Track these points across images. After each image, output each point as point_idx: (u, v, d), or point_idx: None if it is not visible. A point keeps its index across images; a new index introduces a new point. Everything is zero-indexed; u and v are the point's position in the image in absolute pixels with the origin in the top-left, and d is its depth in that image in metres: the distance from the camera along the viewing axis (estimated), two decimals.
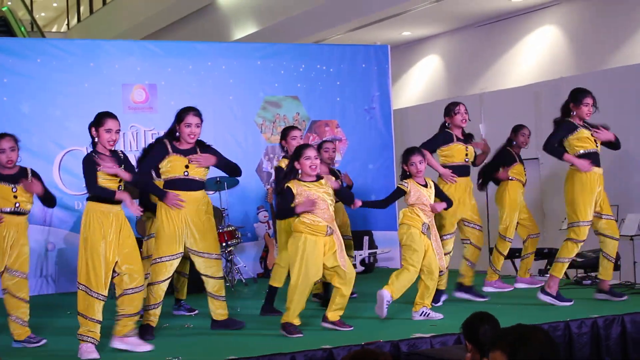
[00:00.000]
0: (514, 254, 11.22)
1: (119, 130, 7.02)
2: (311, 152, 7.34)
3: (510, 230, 9.70)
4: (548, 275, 8.72)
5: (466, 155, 8.99)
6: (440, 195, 8.13)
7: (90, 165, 6.78)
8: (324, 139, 11.96)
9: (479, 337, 4.61)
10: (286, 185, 7.34)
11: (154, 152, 7.69)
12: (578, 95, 8.50)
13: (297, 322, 7.33)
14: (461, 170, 8.95)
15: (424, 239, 7.87)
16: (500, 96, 14.31)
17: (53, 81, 11.61)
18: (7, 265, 7.30)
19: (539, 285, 9.52)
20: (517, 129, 9.93)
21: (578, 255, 10.07)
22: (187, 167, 7.52)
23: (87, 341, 6.67)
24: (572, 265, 10.58)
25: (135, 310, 6.93)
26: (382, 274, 10.84)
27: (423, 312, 7.91)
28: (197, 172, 7.58)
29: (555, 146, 8.50)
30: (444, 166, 8.89)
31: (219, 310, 7.80)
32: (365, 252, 12.21)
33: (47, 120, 11.52)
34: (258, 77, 12.80)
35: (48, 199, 7.62)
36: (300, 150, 7.42)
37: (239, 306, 9.14)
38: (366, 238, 12.23)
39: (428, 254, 7.87)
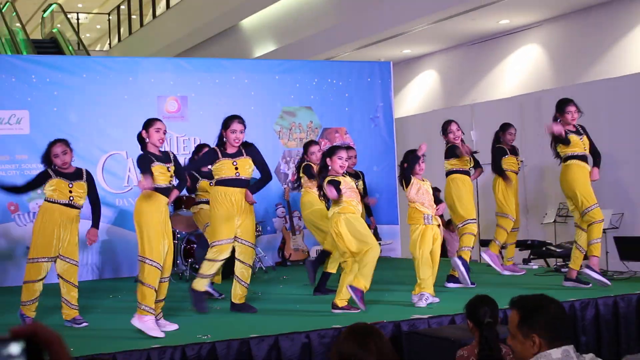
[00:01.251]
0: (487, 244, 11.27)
1: (166, 131, 7.13)
2: (343, 154, 7.40)
3: (506, 209, 9.76)
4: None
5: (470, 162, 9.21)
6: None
7: (144, 160, 6.93)
8: (337, 143, 11.96)
9: (479, 317, 4.66)
10: (333, 179, 7.35)
11: (204, 157, 7.89)
12: (561, 105, 8.54)
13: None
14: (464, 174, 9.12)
15: (428, 229, 7.79)
16: (489, 106, 14.29)
17: (97, 94, 11.63)
18: (60, 253, 7.36)
19: (521, 273, 9.55)
20: (505, 128, 9.93)
21: (557, 245, 10.08)
22: (236, 168, 7.64)
23: (146, 311, 6.71)
24: (552, 254, 10.60)
25: (163, 297, 7.02)
26: (385, 263, 10.83)
27: (423, 295, 7.91)
28: (245, 172, 7.70)
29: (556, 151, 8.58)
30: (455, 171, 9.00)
31: (239, 293, 7.83)
32: None
33: (91, 128, 11.54)
34: (276, 90, 12.79)
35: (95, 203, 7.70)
36: (334, 149, 7.48)
37: (260, 291, 9.15)
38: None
39: (436, 244, 7.83)
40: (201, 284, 7.69)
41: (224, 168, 7.64)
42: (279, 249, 12.39)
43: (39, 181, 7.46)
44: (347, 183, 7.39)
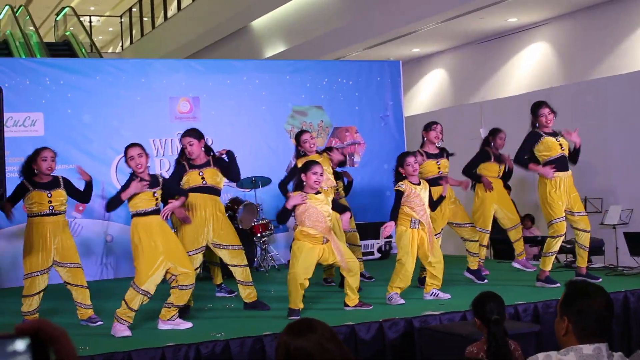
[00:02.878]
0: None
1: (141, 154, 7.05)
2: (318, 169, 7.31)
3: (482, 221, 9.59)
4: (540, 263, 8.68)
5: (439, 168, 8.97)
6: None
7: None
8: (328, 146, 11.91)
9: (486, 314, 4.64)
10: (291, 194, 7.37)
11: (176, 173, 7.96)
12: (534, 109, 8.50)
13: (297, 306, 7.32)
14: (438, 181, 8.85)
15: (415, 233, 7.78)
16: (498, 104, 14.26)
17: (110, 95, 11.66)
18: (58, 260, 7.39)
19: (531, 269, 9.50)
20: (495, 132, 9.78)
21: (568, 242, 10.05)
22: (202, 177, 7.81)
23: (120, 322, 6.82)
24: (563, 250, 10.55)
25: (182, 303, 7.08)
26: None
27: (433, 292, 7.91)
28: (213, 181, 7.87)
29: (522, 159, 8.45)
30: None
31: (248, 293, 7.88)
32: (381, 241, 12.19)
33: (105, 129, 11.57)
34: (287, 90, 12.80)
35: (85, 195, 7.78)
36: (308, 165, 7.39)
37: (272, 289, 9.15)
38: (382, 228, 12.21)
39: (423, 245, 7.81)
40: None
41: (190, 178, 7.80)
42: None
43: (17, 196, 7.48)
44: (316, 202, 7.32)
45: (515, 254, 9.92)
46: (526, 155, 8.43)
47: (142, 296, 6.88)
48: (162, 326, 6.97)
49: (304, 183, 7.29)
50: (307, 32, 18.27)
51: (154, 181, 7.03)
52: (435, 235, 8.41)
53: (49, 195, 7.39)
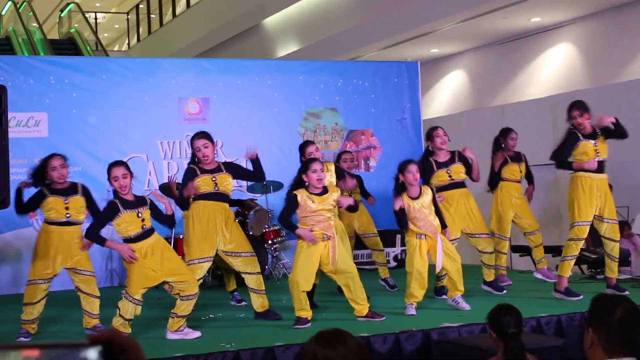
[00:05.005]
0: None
1: (126, 174, 7.10)
2: (317, 166, 7.36)
3: (501, 227, 9.60)
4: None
5: (449, 175, 8.91)
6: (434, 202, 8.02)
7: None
8: (342, 150, 11.89)
9: (502, 327, 4.63)
10: (293, 192, 7.40)
11: (186, 178, 7.88)
12: (568, 111, 8.47)
13: (305, 314, 7.39)
14: (452, 187, 8.87)
15: (423, 242, 7.78)
16: (520, 107, 14.24)
17: (116, 95, 11.71)
18: (71, 266, 7.45)
19: (553, 280, 9.45)
20: (506, 133, 9.71)
21: (592, 252, 10.02)
22: (215, 183, 7.77)
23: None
24: (587, 261, 10.52)
25: (187, 313, 7.11)
26: None
27: (455, 299, 7.93)
28: (224, 187, 7.84)
29: (564, 160, 8.45)
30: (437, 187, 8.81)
31: (260, 302, 7.91)
32: (398, 249, 12.19)
33: (111, 130, 11.61)
34: (300, 91, 12.82)
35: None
36: (307, 163, 7.44)
37: (284, 298, 9.15)
38: (398, 236, 12.20)
39: (434, 252, 7.77)
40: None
41: (202, 184, 7.75)
42: None
43: (34, 203, 7.50)
44: (316, 206, 7.37)
45: (535, 261, 9.90)
46: (567, 157, 8.44)
47: (135, 305, 6.94)
48: (171, 336, 7.03)
49: (307, 184, 7.34)
50: (321, 31, 18.29)
51: (138, 201, 7.08)
52: (452, 241, 8.43)
53: (66, 201, 7.41)
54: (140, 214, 6.99)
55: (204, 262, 7.71)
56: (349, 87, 13.14)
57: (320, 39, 18.26)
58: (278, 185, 10.99)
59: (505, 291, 9.02)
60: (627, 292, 8.22)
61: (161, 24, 25.50)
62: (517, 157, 9.71)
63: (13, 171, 10.38)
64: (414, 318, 7.51)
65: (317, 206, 7.33)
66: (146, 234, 7.04)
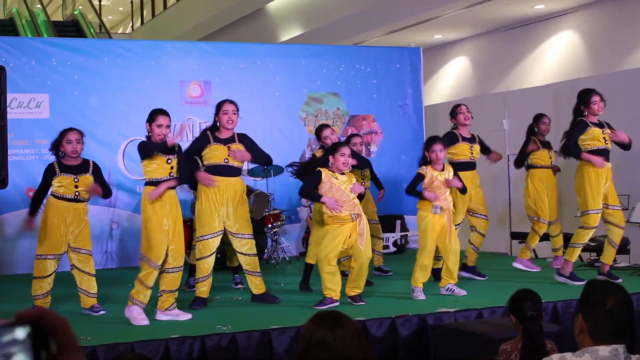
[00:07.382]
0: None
1: (169, 125, 7.13)
2: (347, 150, 7.40)
3: (541, 212, 9.73)
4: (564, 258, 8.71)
5: (471, 153, 9.03)
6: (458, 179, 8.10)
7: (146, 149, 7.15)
8: (351, 133, 11.91)
9: (523, 311, 4.67)
10: (318, 168, 7.41)
11: (197, 141, 7.85)
12: (585, 97, 8.49)
13: (328, 294, 7.40)
14: (467, 166, 8.98)
15: (436, 219, 7.83)
16: (523, 95, 14.21)
17: (118, 78, 11.71)
18: (70, 245, 7.45)
19: (535, 270, 9.54)
20: (538, 118, 9.90)
21: (592, 240, 10.03)
22: (227, 155, 7.66)
23: (136, 303, 6.87)
24: (586, 249, 10.53)
25: (176, 287, 7.10)
26: (412, 254, 10.76)
27: (448, 287, 7.93)
28: (235, 160, 7.72)
29: (573, 148, 8.48)
30: (451, 162, 8.82)
31: (256, 284, 7.86)
32: (397, 235, 12.21)
33: (112, 113, 11.62)
34: (302, 76, 12.82)
35: (105, 194, 7.75)
36: (337, 146, 7.48)
37: (282, 282, 9.19)
38: (398, 222, 12.23)
39: (442, 233, 7.84)
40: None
41: (213, 154, 7.69)
42: (303, 238, 12.41)
43: (47, 179, 7.51)
44: (338, 188, 7.39)
45: (552, 248, 10.02)
46: (573, 144, 8.47)
47: (157, 271, 6.93)
48: (161, 317, 7.02)
49: (330, 164, 7.36)
50: (324, 15, 18.24)
51: (170, 149, 7.13)
52: (455, 225, 8.46)
53: (76, 180, 7.45)
54: (170, 160, 7.10)
55: (215, 236, 7.67)
56: (351, 72, 13.14)
57: (323, 24, 18.21)
58: (279, 169, 10.98)
59: (487, 277, 9.06)
60: (620, 280, 8.25)
61: (165, 7, 25.44)
62: (547, 144, 9.86)
63: (14, 152, 10.47)
64: (411, 303, 7.52)
65: (340, 183, 7.35)
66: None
